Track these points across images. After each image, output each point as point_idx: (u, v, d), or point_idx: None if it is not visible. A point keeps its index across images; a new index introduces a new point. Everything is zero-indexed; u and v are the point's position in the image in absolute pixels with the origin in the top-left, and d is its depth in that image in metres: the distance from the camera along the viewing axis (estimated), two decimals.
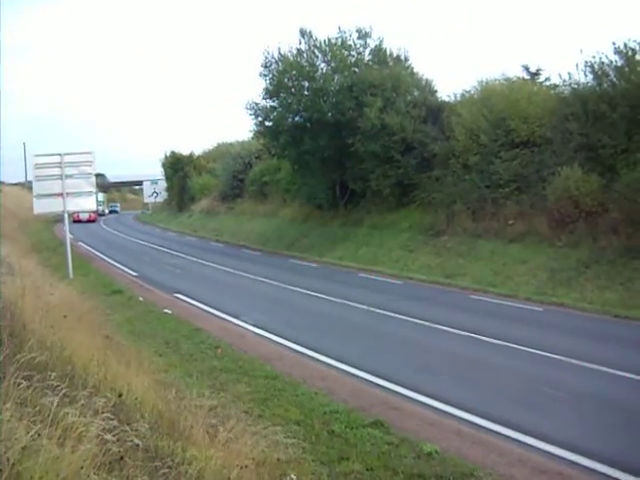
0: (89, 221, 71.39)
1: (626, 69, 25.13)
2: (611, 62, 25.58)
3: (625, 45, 24.97)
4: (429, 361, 14.58)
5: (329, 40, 38.75)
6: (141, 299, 22.37)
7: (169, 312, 19.97)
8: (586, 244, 23.79)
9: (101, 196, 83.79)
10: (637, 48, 24.77)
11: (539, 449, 9.28)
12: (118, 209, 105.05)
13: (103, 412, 6.12)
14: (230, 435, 7.33)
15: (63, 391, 6.47)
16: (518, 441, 9.58)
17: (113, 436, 5.67)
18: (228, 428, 7.52)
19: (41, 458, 4.94)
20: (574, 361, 13.82)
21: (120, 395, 7.35)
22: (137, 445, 5.87)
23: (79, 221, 68.11)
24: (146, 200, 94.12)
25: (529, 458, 9.02)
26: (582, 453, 9.00)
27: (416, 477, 8.28)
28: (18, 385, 6.08)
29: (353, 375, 13.25)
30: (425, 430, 10.08)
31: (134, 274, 29.74)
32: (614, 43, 25.25)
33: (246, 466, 6.67)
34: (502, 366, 14.03)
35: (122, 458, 5.47)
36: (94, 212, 61.50)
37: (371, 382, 12.72)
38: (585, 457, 8.91)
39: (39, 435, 5.16)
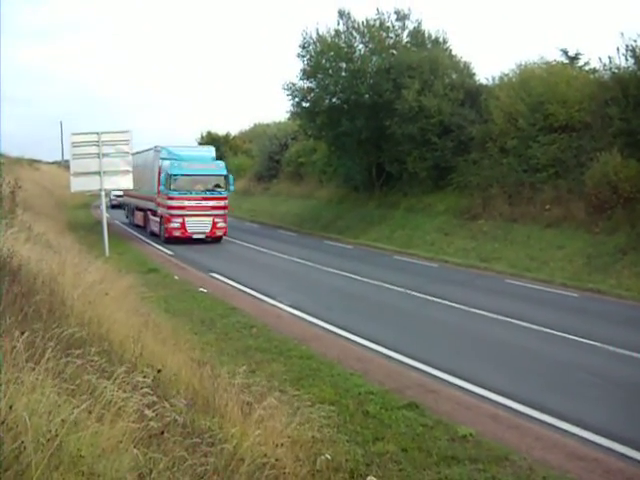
0: (211, 237, 34.39)
1: None
2: None
3: None
4: (465, 344, 14.54)
5: (367, 21, 38.53)
6: (177, 278, 22.45)
7: (205, 291, 20.05)
8: (624, 230, 23.58)
9: None
10: None
11: (575, 435, 9.22)
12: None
13: (142, 387, 6.18)
14: (265, 413, 7.34)
15: (102, 367, 6.54)
16: (554, 426, 9.52)
17: (153, 411, 5.72)
18: (263, 406, 7.53)
19: (81, 432, 4.99)
20: (610, 347, 13.74)
21: (159, 371, 7.40)
22: (176, 421, 5.92)
23: (188, 237, 33.69)
24: None
25: (565, 443, 8.96)
26: (618, 440, 8.93)
27: (450, 459, 8.24)
28: (58, 360, 6.14)
29: (389, 357, 13.22)
30: (460, 413, 10.04)
31: (170, 253, 29.93)
32: None
33: (282, 444, 6.70)
34: (538, 351, 13.93)
35: (162, 433, 5.52)
36: (222, 212, 34.69)
37: (407, 364, 12.69)
38: (621, 444, 8.83)
39: (79, 409, 5.21)
